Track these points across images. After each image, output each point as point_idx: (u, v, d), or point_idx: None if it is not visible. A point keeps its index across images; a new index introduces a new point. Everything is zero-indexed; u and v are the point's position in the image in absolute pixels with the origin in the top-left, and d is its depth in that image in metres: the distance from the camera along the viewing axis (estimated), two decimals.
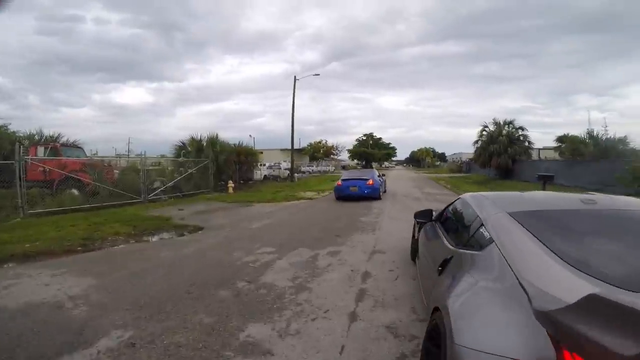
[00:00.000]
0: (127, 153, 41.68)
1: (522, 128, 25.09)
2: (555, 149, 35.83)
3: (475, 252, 1.95)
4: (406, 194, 14.96)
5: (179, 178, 15.22)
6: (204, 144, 17.79)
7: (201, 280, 4.16)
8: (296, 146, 58.30)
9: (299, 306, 3.37)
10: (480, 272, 1.77)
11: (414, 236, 4.81)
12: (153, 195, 13.14)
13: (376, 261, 4.86)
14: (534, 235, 1.75)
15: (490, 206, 2.30)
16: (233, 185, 16.89)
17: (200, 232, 7.40)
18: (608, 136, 14.71)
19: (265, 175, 24.96)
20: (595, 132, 14.86)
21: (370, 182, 12.53)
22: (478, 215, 2.27)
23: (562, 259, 1.52)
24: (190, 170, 15.80)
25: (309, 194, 15.36)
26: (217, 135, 18.16)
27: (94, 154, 24.50)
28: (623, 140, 14.67)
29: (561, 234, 1.81)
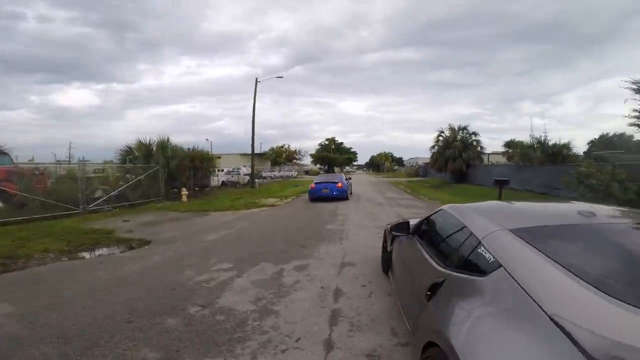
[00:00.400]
0: (67, 159, 37.85)
1: (475, 133, 26.67)
2: (503, 153, 38.81)
3: (478, 278, 1.64)
4: (369, 198, 14.95)
5: (124, 186, 13.84)
6: (154, 149, 16.45)
7: (144, 305, 3.51)
8: (257, 151, 57.07)
9: (264, 335, 2.88)
10: (491, 303, 1.45)
11: (385, 248, 4.53)
12: (94, 206, 11.77)
13: (347, 275, 4.49)
14: (548, 257, 1.47)
15: (484, 221, 2.02)
16: (187, 192, 15.79)
17: (146, 246, 6.55)
18: (554, 142, 15.99)
19: (223, 182, 23.79)
20: (543, 138, 16.09)
21: (340, 184, 14.08)
22: (472, 232, 1.98)
23: (592, 286, 1.24)
24: (137, 178, 14.45)
25: (270, 200, 14.74)
26: (168, 138, 16.92)
27: (30, 161, 21.71)
28: (567, 146, 16.01)
29: (577, 254, 1.56)
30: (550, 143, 15.94)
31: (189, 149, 18.43)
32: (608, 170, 10.26)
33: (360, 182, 34.30)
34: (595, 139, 16.66)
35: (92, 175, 14.83)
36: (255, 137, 24.25)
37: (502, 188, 11.30)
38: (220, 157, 53.43)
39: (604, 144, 25.77)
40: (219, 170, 29.35)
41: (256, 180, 25.99)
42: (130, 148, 16.64)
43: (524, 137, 39.80)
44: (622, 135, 24.25)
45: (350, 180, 17.25)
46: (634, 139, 26.91)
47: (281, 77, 27.12)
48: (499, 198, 11.50)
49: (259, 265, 4.98)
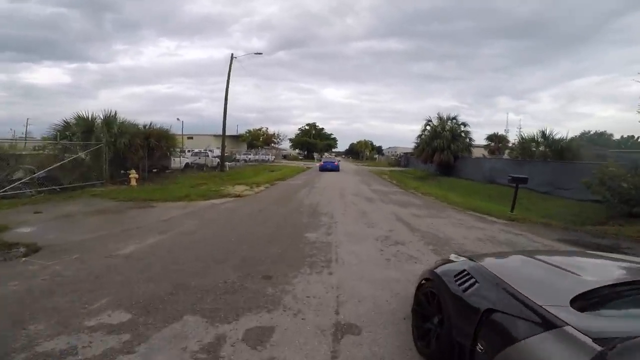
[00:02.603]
0: (24, 136, 33.15)
1: (464, 124, 25.07)
2: (485, 147, 38.03)
3: None
4: (355, 192, 12.80)
5: (51, 167, 10.97)
6: (96, 124, 13.43)
7: None
8: (233, 132, 53.62)
9: None
10: None
11: (417, 303, 2.43)
12: (10, 190, 9.07)
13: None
14: None
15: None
16: (136, 176, 13.04)
17: (23, 259, 4.10)
18: (559, 136, 14.44)
19: (187, 164, 20.82)
20: (548, 132, 14.49)
21: (336, 163, 27.98)
22: None
23: None
24: (70, 157, 11.62)
25: (238, 188, 12.27)
26: (115, 112, 14.07)
27: None
28: (578, 140, 14.57)
29: None
30: (557, 137, 14.35)
31: (145, 125, 15.53)
32: None
33: (342, 170, 32.19)
34: (576, 136, 15.64)
35: (25, 153, 12.39)
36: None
37: (518, 187, 9.57)
38: (192, 138, 49.66)
39: (585, 142, 25.22)
40: (186, 151, 26.24)
41: (227, 163, 23.21)
42: (67, 123, 13.58)
43: (500, 131, 39.29)
44: (602, 133, 23.75)
45: (339, 161, 32.79)
46: (614, 138, 26.78)
47: (260, 53, 23.97)
48: (514, 196, 9.83)
49: (178, 324, 2.70)
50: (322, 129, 75.00)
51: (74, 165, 11.76)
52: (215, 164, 22.94)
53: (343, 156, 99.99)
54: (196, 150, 26.69)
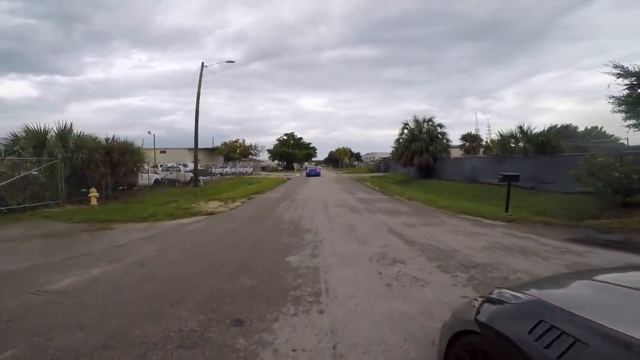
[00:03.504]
0: None
1: (440, 125, 25.05)
2: (460, 147, 38.48)
3: None
4: (339, 202, 11.99)
5: None
6: (50, 138, 12.06)
7: None
8: (209, 145, 51.79)
9: None
10: None
11: None
12: None
13: None
14: None
15: None
16: (97, 194, 11.77)
17: None
18: (538, 130, 14.34)
19: (157, 180, 19.36)
20: (526, 126, 14.39)
21: (318, 170, 42.88)
22: None
23: None
24: (14, 177, 10.30)
25: (211, 205, 11.18)
26: (71, 125, 12.80)
27: None
28: (557, 134, 14.52)
29: None
30: (536, 131, 14.25)
31: (107, 139, 14.20)
32: (629, 160, 8.46)
33: (322, 179, 31.51)
34: (544, 130, 15.87)
35: None
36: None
37: (510, 185, 9.10)
38: (165, 152, 47.49)
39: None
40: (159, 166, 24.66)
41: (202, 178, 21.88)
42: (16, 136, 12.14)
43: (471, 131, 40.05)
44: (568, 126, 24.48)
45: (320, 168, 50.17)
46: (579, 130, 27.94)
47: (232, 62, 23.08)
48: (507, 196, 9.37)
49: None
50: (301, 138, 74.33)
51: (24, 184, 10.52)
52: (188, 178, 21.56)
53: (323, 165, 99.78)
54: (168, 165, 25.13)
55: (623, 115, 10.11)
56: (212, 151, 51.69)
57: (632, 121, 9.94)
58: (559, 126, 20.08)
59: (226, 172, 35.39)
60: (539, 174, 12.66)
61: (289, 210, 10.07)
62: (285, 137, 71.16)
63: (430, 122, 25.21)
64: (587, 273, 2.01)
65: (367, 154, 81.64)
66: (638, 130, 9.97)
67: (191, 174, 21.49)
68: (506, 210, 8.58)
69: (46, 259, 4.99)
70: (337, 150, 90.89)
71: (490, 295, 1.84)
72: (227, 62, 22.64)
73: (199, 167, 22.19)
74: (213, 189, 18.82)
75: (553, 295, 1.61)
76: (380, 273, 3.97)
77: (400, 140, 26.00)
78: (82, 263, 4.71)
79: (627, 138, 15.44)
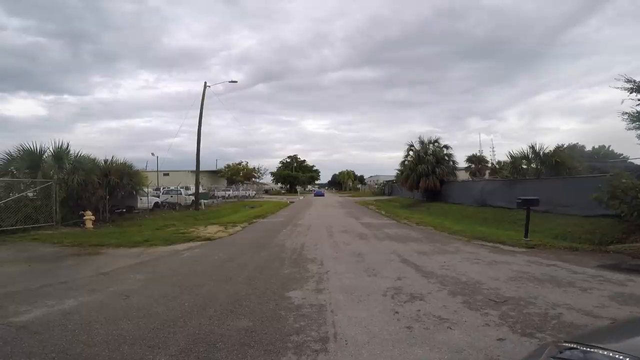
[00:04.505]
0: None
1: (447, 147, 24.59)
2: (466, 169, 37.92)
3: None
4: (344, 228, 11.37)
5: None
6: (46, 158, 11.83)
7: None
8: (212, 168, 51.72)
9: None
10: None
11: None
12: None
13: None
14: None
15: None
16: (93, 217, 11.39)
17: None
18: (549, 149, 13.82)
19: (157, 203, 18.95)
20: (538, 147, 13.90)
21: (323, 192, 61.34)
22: None
23: None
24: (13, 196, 10.14)
25: (211, 230, 10.64)
26: (67, 145, 12.55)
27: None
28: (573, 153, 14.00)
29: None
30: (547, 151, 13.73)
31: (105, 160, 13.93)
32: None
33: (326, 203, 30.90)
34: (550, 150, 15.24)
35: None
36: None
37: (529, 210, 8.53)
38: (168, 174, 47.40)
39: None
40: (161, 189, 24.35)
41: (203, 201, 21.43)
42: (11, 156, 11.91)
43: (475, 152, 39.61)
44: (575, 145, 23.98)
45: (324, 190, 67.44)
46: (586, 149, 27.45)
47: (235, 82, 23.08)
48: (527, 220, 8.77)
49: None
50: (304, 161, 74.42)
51: (18, 206, 10.24)
52: (189, 202, 21.15)
53: (326, 188, 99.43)
54: (169, 188, 24.80)
55: (638, 132, 9.64)
56: (215, 174, 51.61)
57: None
58: (565, 145, 19.64)
59: (229, 195, 34.98)
60: (553, 196, 12.05)
61: (291, 236, 9.49)
62: (288, 160, 71.34)
63: (436, 144, 24.79)
64: None
65: (371, 176, 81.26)
66: None
67: (192, 197, 21.09)
68: (525, 236, 7.97)
69: (22, 285, 4.59)
70: (341, 173, 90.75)
71: (562, 356, 1.29)
72: (230, 82, 22.61)
73: (201, 190, 21.82)
74: (214, 212, 18.34)
75: None
76: (397, 313, 3.38)
77: (406, 162, 25.55)
78: (59, 292, 4.24)
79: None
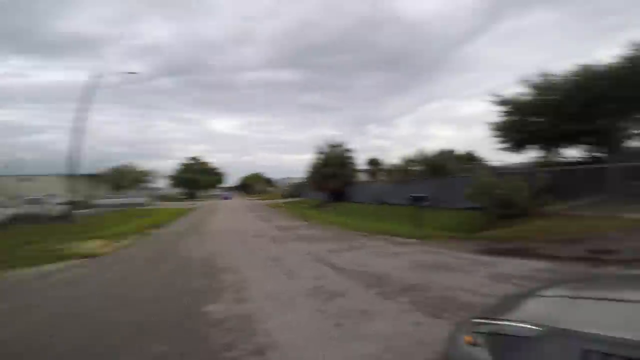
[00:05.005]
0: None
1: (349, 150, 26.62)
2: (366, 171, 41.77)
3: None
4: (257, 232, 10.99)
5: None
6: None
7: None
8: (91, 171, 43.51)
9: None
10: None
11: None
12: None
13: None
14: None
15: None
16: None
17: None
18: (434, 155, 16.31)
19: (13, 217, 14.94)
20: (422, 153, 16.24)
21: (230, 195, 59.85)
22: None
23: None
24: None
25: (92, 245, 8.88)
26: None
27: None
28: (448, 157, 16.66)
29: None
30: (429, 156, 16.23)
31: None
32: (508, 179, 10.10)
33: (235, 207, 29.51)
34: (433, 155, 18.99)
35: None
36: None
37: (421, 205, 9.81)
38: (31, 180, 37.78)
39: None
40: (23, 198, 19.10)
41: (80, 211, 17.84)
42: None
43: (373, 156, 44.46)
44: (452, 151, 29.32)
45: (232, 194, 61.38)
46: (454, 153, 33.91)
47: (135, 73, 20.04)
48: (418, 215, 10.00)
49: None
50: (206, 163, 69.51)
51: None
52: (60, 213, 17.30)
53: (235, 191, 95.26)
54: (32, 197, 19.82)
55: (499, 139, 12.22)
56: (96, 178, 43.71)
57: (506, 145, 12.08)
58: (445, 150, 23.49)
59: (114, 203, 30.11)
60: (435, 193, 14.27)
61: (197, 246, 8.66)
62: (191, 161, 65.62)
63: (341, 147, 26.62)
64: (541, 290, 1.89)
65: (281, 179, 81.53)
66: (512, 152, 12.10)
67: (65, 207, 17.33)
68: (417, 228, 9.16)
69: None
70: (250, 175, 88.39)
71: (480, 331, 1.49)
72: (128, 73, 19.48)
73: (78, 198, 18.13)
74: (95, 224, 15.41)
75: (561, 319, 1.34)
76: (324, 312, 3.40)
77: (315, 165, 26.60)
78: None
79: (500, 160, 18.72)
